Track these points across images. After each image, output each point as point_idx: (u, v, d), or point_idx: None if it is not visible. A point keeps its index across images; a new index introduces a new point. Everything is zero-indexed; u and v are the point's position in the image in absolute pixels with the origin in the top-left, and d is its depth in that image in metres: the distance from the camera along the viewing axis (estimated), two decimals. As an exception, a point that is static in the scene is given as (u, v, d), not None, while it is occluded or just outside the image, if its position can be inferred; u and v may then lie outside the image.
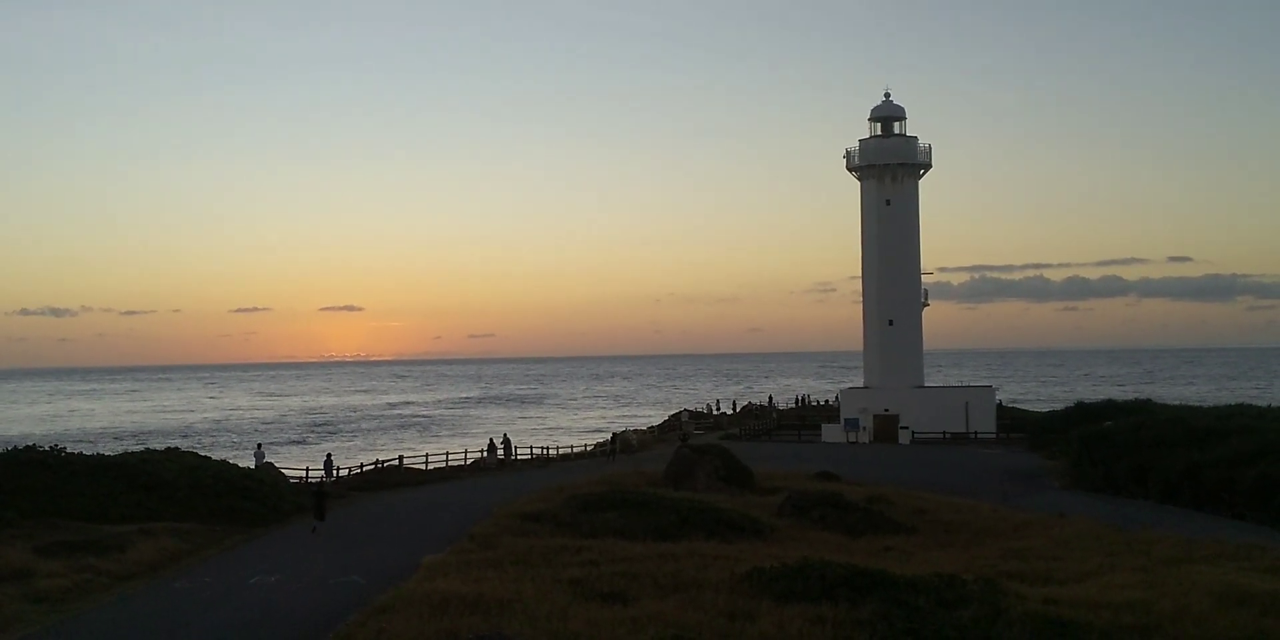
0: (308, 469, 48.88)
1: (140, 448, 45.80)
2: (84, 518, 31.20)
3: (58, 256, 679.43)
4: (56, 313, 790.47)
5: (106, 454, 39.57)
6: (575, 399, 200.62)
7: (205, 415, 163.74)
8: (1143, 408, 60.88)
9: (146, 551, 27.53)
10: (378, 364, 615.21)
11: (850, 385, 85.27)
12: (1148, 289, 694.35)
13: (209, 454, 45.20)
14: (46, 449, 35.20)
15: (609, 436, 68.10)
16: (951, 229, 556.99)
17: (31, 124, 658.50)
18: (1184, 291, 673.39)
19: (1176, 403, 75.29)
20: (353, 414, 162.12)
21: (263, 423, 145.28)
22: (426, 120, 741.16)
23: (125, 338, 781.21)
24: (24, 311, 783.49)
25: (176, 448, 43.03)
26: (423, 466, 53.85)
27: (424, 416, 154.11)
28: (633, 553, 23.99)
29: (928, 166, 73.35)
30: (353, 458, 73.10)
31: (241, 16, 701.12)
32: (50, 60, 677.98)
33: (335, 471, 49.13)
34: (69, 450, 36.56)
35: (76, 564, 25.27)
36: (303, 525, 33.84)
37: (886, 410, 70.57)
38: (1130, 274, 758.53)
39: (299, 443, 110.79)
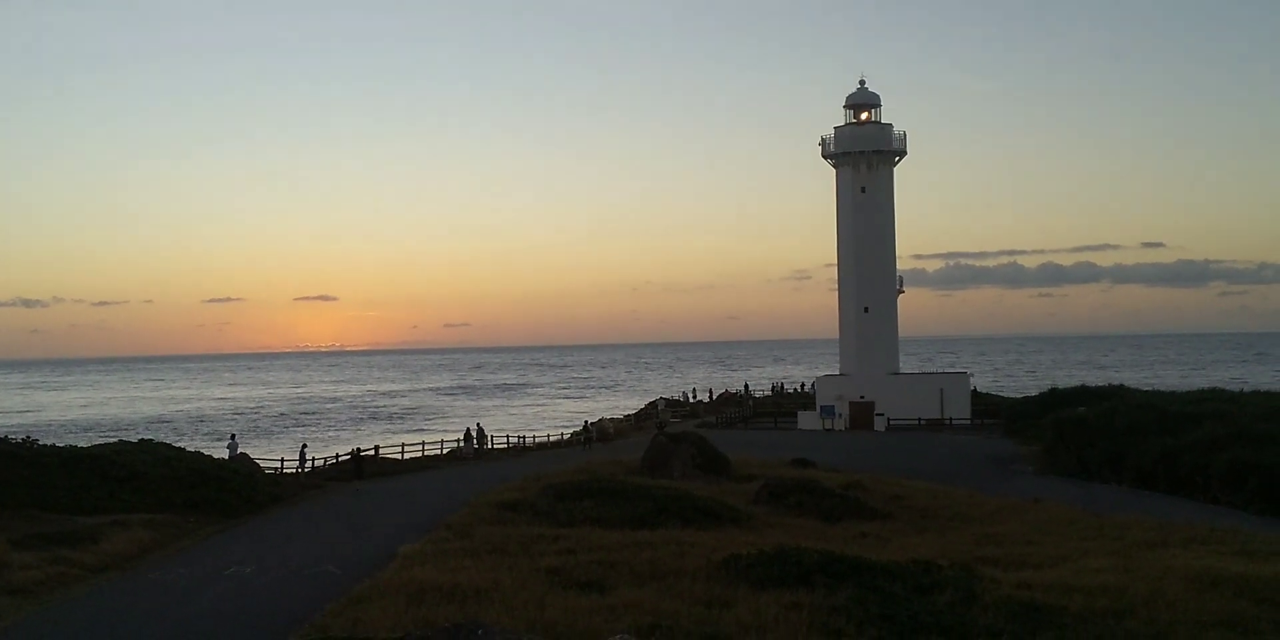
0: (283, 459, 48.71)
1: (114, 439, 45.55)
2: (58, 510, 31.01)
3: (28, 247, 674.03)
4: (28, 304, 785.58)
5: (80, 446, 39.32)
6: (552, 387, 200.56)
7: (179, 406, 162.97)
8: (1116, 393, 61.20)
9: (121, 543, 27.39)
10: (353, 354, 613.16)
11: (826, 372, 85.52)
12: (1121, 275, 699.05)
13: (183, 445, 44.96)
14: (19, 441, 34.98)
15: (582, 426, 68.19)
16: (926, 216, 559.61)
17: (1, 117, 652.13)
18: (1157, 277, 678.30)
19: (1150, 388, 75.72)
20: (328, 404, 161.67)
21: (237, 413, 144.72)
22: (402, 110, 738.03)
23: (97, 329, 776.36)
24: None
25: (150, 439, 42.83)
26: (399, 456, 53.76)
27: (400, 406, 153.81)
28: (610, 541, 24.00)
29: (903, 154, 73.46)
30: (328, 448, 72.95)
31: (219, 5, 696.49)
32: (21, 52, 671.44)
33: (311, 462, 48.98)
34: (42, 442, 36.32)
35: (51, 556, 25.13)
36: (279, 516, 33.92)
37: (862, 397, 70.78)
38: (1103, 260, 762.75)
39: (273, 433, 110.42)
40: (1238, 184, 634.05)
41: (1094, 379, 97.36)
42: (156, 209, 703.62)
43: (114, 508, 32.03)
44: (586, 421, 72.16)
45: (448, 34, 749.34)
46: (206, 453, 42.82)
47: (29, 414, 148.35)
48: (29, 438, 36.21)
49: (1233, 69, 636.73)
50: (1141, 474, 41.07)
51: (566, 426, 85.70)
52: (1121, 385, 69.70)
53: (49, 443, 37.40)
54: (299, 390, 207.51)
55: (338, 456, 51.28)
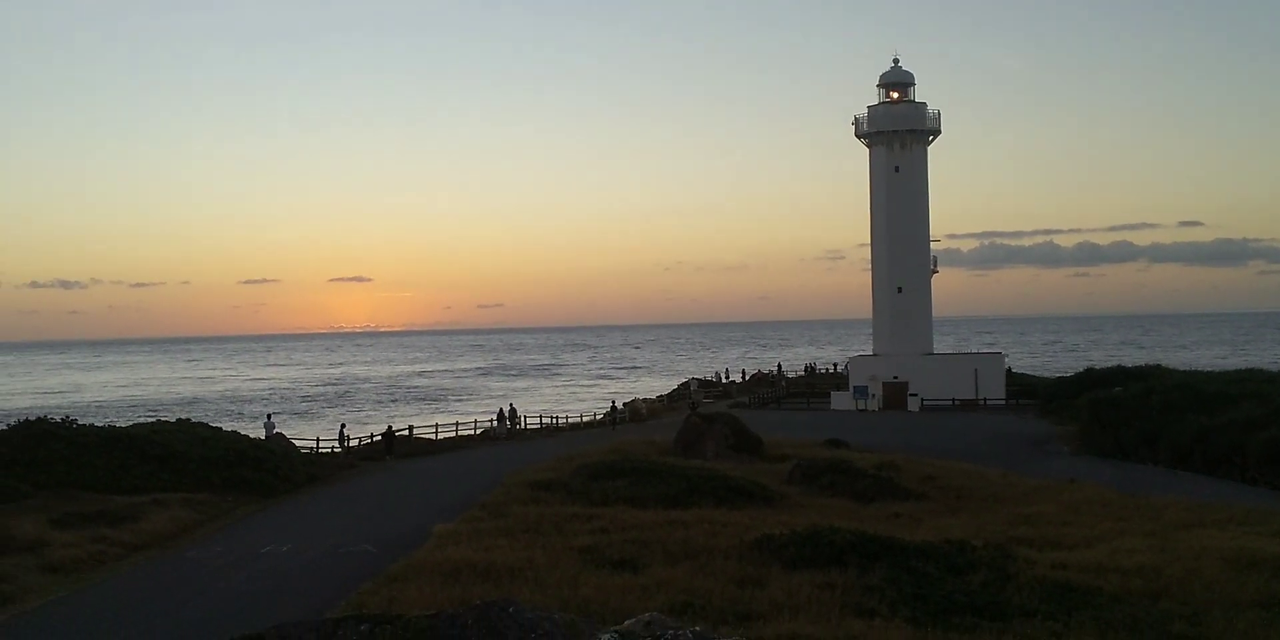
0: (318, 439, 49.08)
1: (152, 419, 45.97)
2: (97, 489, 31.34)
3: (67, 229, 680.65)
4: (66, 285, 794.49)
5: (119, 426, 39.67)
6: (585, 368, 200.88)
7: (215, 387, 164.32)
8: (1152, 373, 60.74)
9: (160, 522, 27.69)
10: (387, 334, 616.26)
11: (859, 353, 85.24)
12: (1158, 254, 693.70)
13: (220, 425, 45.34)
14: (59, 421, 35.28)
15: (609, 406, 68.28)
16: (961, 195, 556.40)
17: (40, 98, 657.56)
18: (1195, 256, 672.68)
19: (1186, 368, 75.02)
20: (363, 384, 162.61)
21: (273, 393, 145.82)
22: (434, 90, 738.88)
23: (135, 310, 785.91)
24: (34, 284, 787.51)
25: (188, 419, 43.16)
26: (433, 436, 54.02)
27: (434, 386, 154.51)
28: (642, 520, 24.07)
29: (937, 133, 72.93)
30: (364, 428, 73.39)
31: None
32: (58, 35, 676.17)
33: (347, 441, 49.28)
34: (81, 422, 36.67)
35: (91, 535, 25.42)
36: (315, 495, 34.28)
37: (896, 377, 70.51)
38: (1141, 239, 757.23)
39: (309, 413, 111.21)
40: (1277, 162, 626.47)
41: (1131, 359, 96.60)
42: (192, 192, 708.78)
43: (152, 487, 32.33)
44: (614, 402, 72.27)
45: (482, 17, 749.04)
46: (243, 433, 43.17)
47: (68, 394, 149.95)
48: (68, 418, 36.51)
49: (1272, 47, 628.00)
50: (1177, 454, 40.79)
51: (599, 407, 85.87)
52: (1158, 365, 69.09)
53: (88, 422, 37.74)
54: (334, 371, 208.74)
55: (372, 436, 51.58)
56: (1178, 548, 20.74)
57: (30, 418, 35.60)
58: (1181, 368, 73.54)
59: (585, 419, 68.48)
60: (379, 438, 49.47)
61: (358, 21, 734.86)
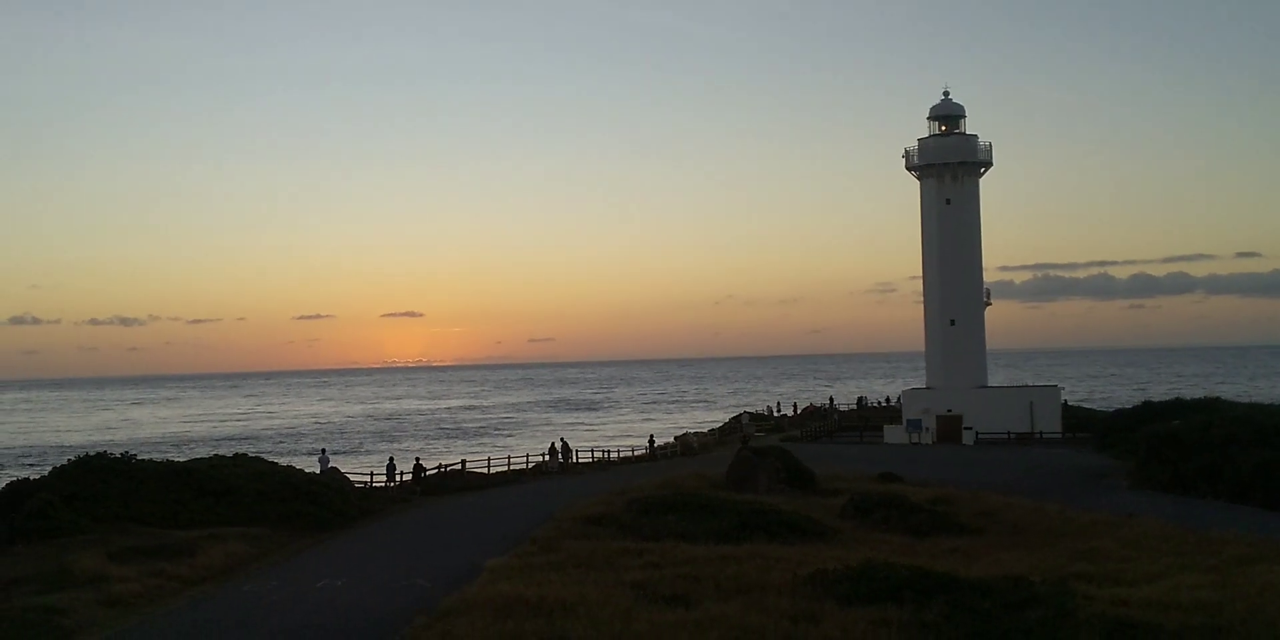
0: (371, 474, 49.34)
1: (209, 454, 46.46)
2: (155, 523, 31.69)
3: (126, 267, 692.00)
4: (125, 322, 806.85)
5: (176, 460, 40.15)
6: (636, 402, 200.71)
7: (271, 421, 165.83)
8: (1212, 406, 59.80)
9: (216, 556, 27.91)
10: (439, 369, 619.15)
11: (912, 386, 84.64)
12: (1215, 286, 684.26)
13: (275, 460, 45.71)
14: (118, 456, 35.76)
15: (648, 440, 68.20)
16: (1014, 227, 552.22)
17: (97, 135, 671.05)
18: (1253, 288, 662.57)
19: (1246, 401, 73.78)
20: (415, 419, 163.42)
21: (325, 426, 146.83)
22: (486, 126, 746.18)
23: (193, 346, 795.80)
24: (94, 321, 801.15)
25: (244, 453, 43.57)
26: (484, 470, 54.13)
27: (485, 421, 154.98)
28: (695, 555, 23.95)
29: (988, 165, 72.65)
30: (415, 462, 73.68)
31: (299, 25, 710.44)
32: (113, 71, 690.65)
33: (399, 476, 49.52)
34: (139, 457, 37.13)
35: (148, 569, 25.67)
36: (369, 529, 34.45)
37: (949, 411, 69.94)
38: (1197, 270, 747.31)
39: (362, 448, 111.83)
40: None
41: (1189, 392, 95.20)
42: (248, 228, 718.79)
43: (209, 521, 32.65)
44: (652, 436, 72.18)
45: (533, 51, 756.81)
46: (298, 467, 43.47)
47: (126, 430, 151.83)
48: (126, 453, 36.99)
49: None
50: (1238, 488, 40.07)
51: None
52: (1217, 398, 68.02)
53: (146, 458, 38.21)
54: (387, 405, 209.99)
55: (426, 471, 51.80)
56: (1240, 584, 20.34)
57: (89, 453, 36.10)
58: (1241, 400, 72.36)
59: (636, 453, 68.44)
60: (433, 471, 49.72)
61: (412, 62, 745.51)
